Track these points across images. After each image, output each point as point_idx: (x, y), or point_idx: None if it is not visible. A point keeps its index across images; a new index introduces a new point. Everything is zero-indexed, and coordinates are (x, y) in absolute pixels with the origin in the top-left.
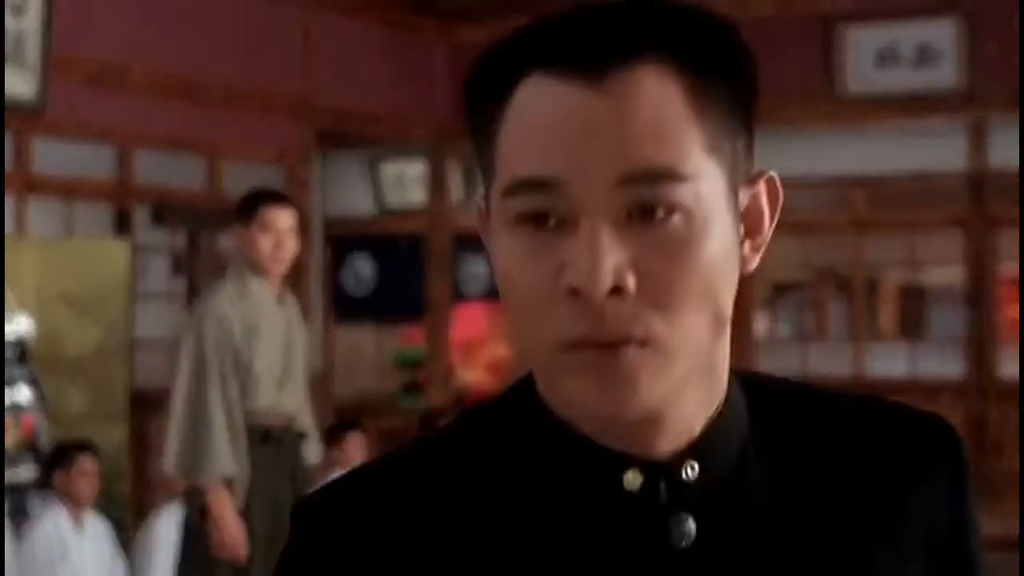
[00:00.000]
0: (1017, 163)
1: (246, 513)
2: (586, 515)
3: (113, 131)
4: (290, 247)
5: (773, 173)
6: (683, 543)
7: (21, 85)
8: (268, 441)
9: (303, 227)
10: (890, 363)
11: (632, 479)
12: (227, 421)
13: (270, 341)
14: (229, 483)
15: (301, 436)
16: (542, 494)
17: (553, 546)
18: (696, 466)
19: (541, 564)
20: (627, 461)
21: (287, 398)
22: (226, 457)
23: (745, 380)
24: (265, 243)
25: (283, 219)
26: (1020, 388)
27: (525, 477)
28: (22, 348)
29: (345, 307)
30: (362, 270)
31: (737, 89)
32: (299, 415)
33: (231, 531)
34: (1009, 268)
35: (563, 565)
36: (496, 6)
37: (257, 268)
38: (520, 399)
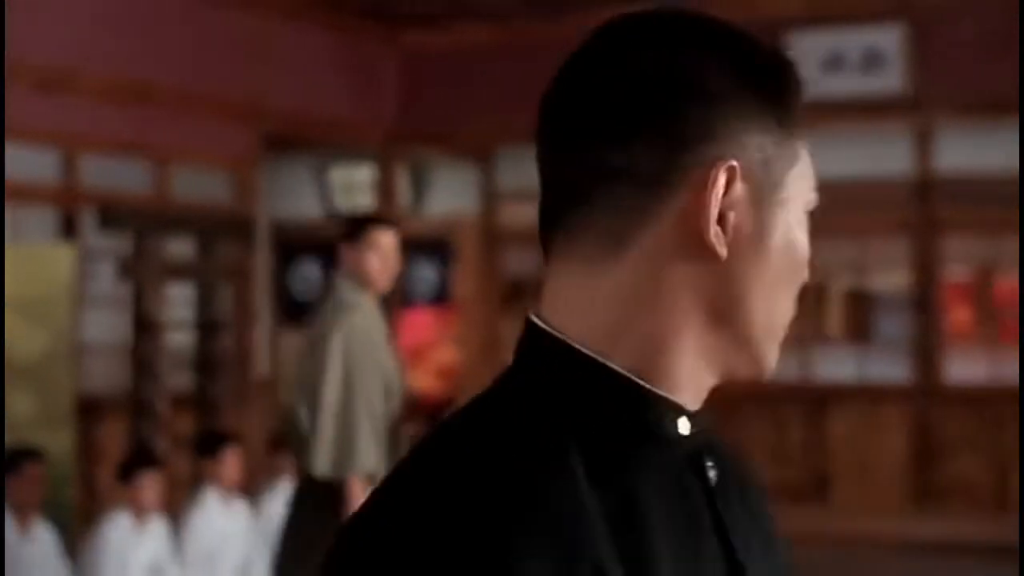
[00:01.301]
0: (964, 167)
1: None
2: (657, 454)
3: (60, 135)
4: (394, 265)
5: None
6: (712, 482)
7: None
8: (395, 438)
9: (249, 231)
10: (837, 367)
11: (684, 425)
12: (370, 425)
13: (387, 349)
14: (371, 477)
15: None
16: (625, 443)
17: (649, 490)
18: (703, 417)
19: (646, 510)
20: (679, 410)
21: (400, 400)
22: (369, 455)
23: None
24: (374, 262)
25: (389, 240)
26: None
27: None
28: None
29: (293, 311)
30: (310, 275)
31: None
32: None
33: None
34: (954, 272)
35: (658, 504)
36: (446, 12)
37: (366, 284)
38: (539, 383)
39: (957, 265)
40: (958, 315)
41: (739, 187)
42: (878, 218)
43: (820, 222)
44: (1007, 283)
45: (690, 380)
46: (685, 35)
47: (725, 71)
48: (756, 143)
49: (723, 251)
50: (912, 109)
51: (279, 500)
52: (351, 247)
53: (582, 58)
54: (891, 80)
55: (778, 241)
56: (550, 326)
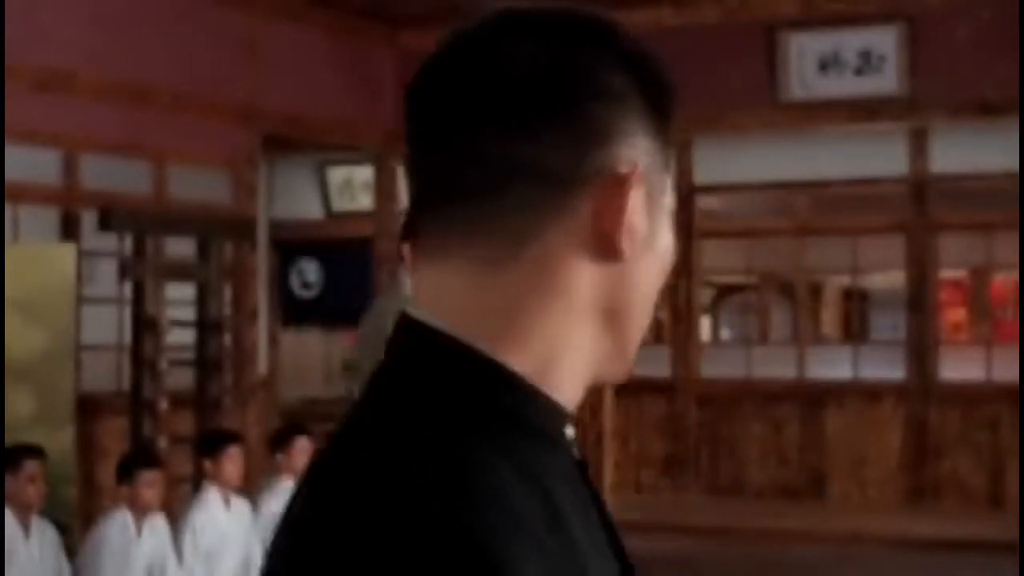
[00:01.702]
0: (959, 168)
1: None
2: (558, 460)
3: (60, 136)
4: None
5: None
6: (594, 487)
7: None
8: None
9: (249, 231)
10: (833, 366)
11: (570, 430)
12: None
13: None
14: None
15: None
16: (552, 452)
17: (561, 495)
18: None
19: (568, 514)
20: (568, 415)
21: None
22: None
23: None
24: None
25: None
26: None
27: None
28: None
29: (292, 311)
30: (309, 274)
31: None
32: None
33: None
34: (949, 272)
35: (571, 508)
36: (443, 12)
37: None
38: (435, 392)
39: (952, 265)
40: (953, 315)
41: (640, 190)
42: (873, 218)
43: (816, 222)
44: (1001, 283)
45: (577, 385)
46: (587, 34)
47: (624, 74)
48: (646, 147)
49: (628, 253)
50: (908, 110)
51: (279, 500)
52: (407, 245)
53: (476, 49)
54: (887, 81)
55: (661, 245)
56: (438, 328)
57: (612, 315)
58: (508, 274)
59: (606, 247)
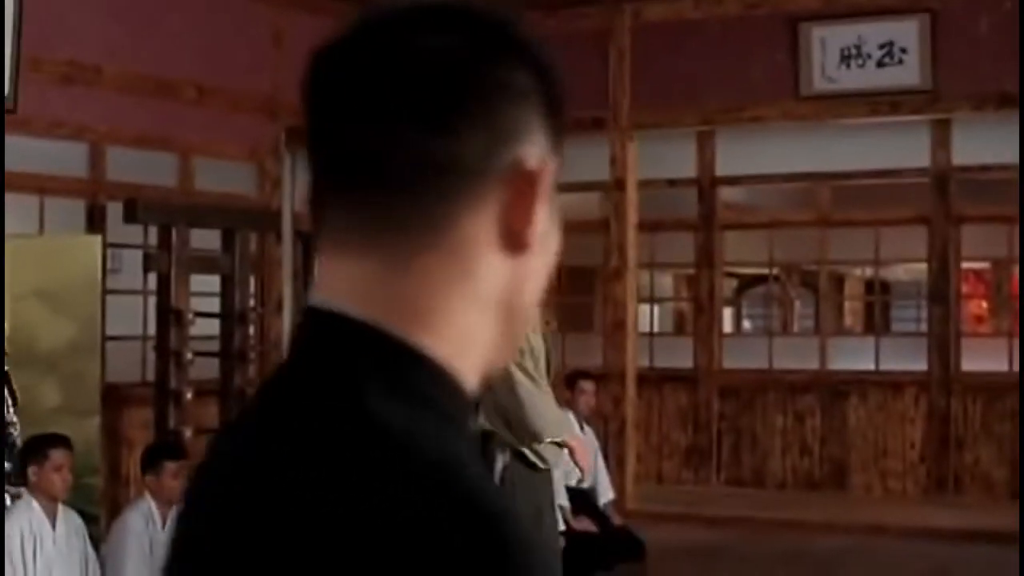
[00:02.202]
0: (981, 160)
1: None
2: (475, 451)
3: (85, 129)
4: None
5: None
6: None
7: None
8: None
9: (273, 223)
10: (855, 358)
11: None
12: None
13: (535, 327)
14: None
15: None
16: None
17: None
18: None
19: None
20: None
21: (545, 371)
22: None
23: None
24: None
25: None
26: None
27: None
28: None
29: None
30: None
31: None
32: None
33: (588, 461)
34: (971, 264)
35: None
36: None
37: None
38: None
39: (974, 257)
40: (975, 306)
41: (546, 186)
42: (896, 210)
43: (838, 214)
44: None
45: (477, 374)
46: (494, 31)
47: (528, 72)
48: (543, 144)
49: (534, 246)
50: (930, 102)
51: None
52: None
53: (390, 40)
54: (909, 73)
55: (552, 243)
56: (355, 316)
57: (509, 307)
58: (423, 264)
59: (514, 241)
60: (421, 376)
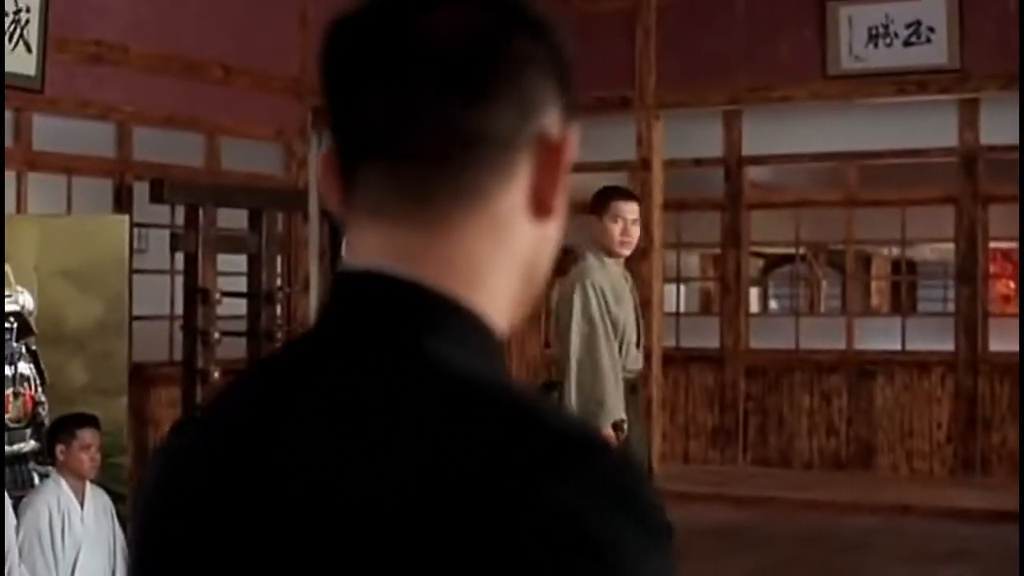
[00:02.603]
0: (1009, 140)
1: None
2: None
3: (112, 109)
4: (635, 233)
5: None
6: None
7: (21, 63)
8: (635, 392)
9: (301, 203)
10: (881, 338)
11: None
12: (614, 375)
13: (628, 310)
14: (618, 425)
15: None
16: None
17: None
18: None
19: None
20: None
21: (639, 357)
22: (617, 406)
23: None
24: (615, 230)
25: (631, 211)
26: (1020, 364)
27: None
28: (23, 323)
29: None
30: None
31: None
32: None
33: None
34: (999, 244)
35: None
36: None
37: (610, 251)
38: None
39: (1001, 237)
40: (1002, 286)
41: (569, 155)
42: (923, 190)
43: (865, 194)
44: None
45: (506, 329)
46: (512, 6)
47: (544, 45)
48: (557, 116)
49: (557, 213)
50: (957, 81)
51: None
52: (596, 217)
53: (410, 14)
54: (937, 52)
55: (563, 209)
56: (407, 277)
57: (532, 267)
58: (464, 232)
59: (541, 208)
60: (467, 324)
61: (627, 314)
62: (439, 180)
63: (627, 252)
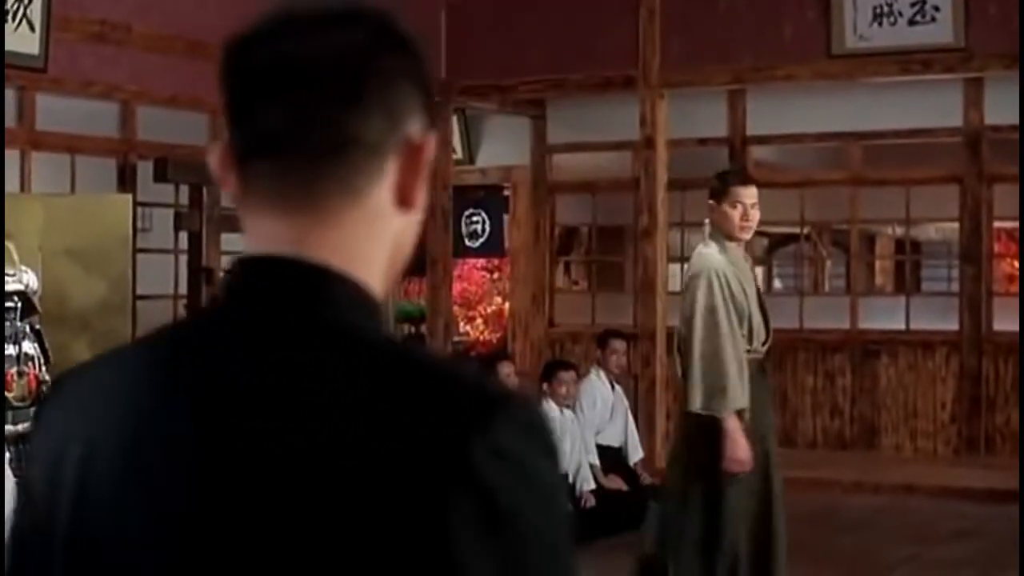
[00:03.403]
0: (1013, 120)
1: (750, 435)
2: None
3: (116, 88)
4: (755, 216)
5: None
6: None
7: (24, 42)
8: (763, 374)
9: None
10: (886, 317)
11: None
12: (737, 363)
13: (750, 292)
14: (740, 412)
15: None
16: None
17: None
18: None
19: None
20: None
21: (765, 335)
22: (739, 393)
23: None
24: (735, 216)
25: (749, 195)
26: (1020, 345)
27: None
28: (27, 302)
29: None
30: None
31: None
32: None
33: (742, 451)
34: (1003, 224)
35: None
36: None
37: (731, 236)
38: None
39: (1006, 216)
40: (1006, 266)
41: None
42: (927, 169)
43: (869, 173)
44: None
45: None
46: (384, 26)
47: (410, 60)
48: (423, 121)
49: (418, 205)
50: (962, 60)
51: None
52: (715, 202)
53: (298, 33)
54: (941, 31)
55: (424, 198)
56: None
57: (398, 250)
58: (346, 221)
59: (406, 202)
60: (358, 295)
61: (750, 298)
62: (325, 177)
63: (747, 236)
